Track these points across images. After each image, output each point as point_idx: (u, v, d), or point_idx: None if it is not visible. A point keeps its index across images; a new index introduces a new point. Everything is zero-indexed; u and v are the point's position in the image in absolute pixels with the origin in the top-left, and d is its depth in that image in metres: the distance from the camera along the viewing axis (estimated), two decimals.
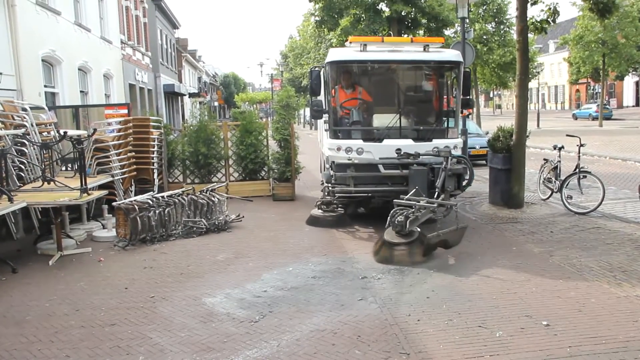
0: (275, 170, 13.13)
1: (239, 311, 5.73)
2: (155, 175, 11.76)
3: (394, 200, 7.84)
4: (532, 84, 51.05)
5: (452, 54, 9.88)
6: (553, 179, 11.24)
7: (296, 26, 59.96)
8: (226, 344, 4.92)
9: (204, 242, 8.84)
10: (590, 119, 45.06)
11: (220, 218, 9.81)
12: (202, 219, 9.55)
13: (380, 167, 8.99)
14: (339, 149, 9.04)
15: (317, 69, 9.50)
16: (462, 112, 10.33)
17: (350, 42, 9.62)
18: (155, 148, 11.82)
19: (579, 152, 10.86)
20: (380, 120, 9.63)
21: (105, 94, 20.10)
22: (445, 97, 10.33)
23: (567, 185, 10.61)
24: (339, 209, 9.88)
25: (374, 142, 9.09)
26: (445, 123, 9.96)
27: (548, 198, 11.49)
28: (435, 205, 7.68)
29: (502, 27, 34.73)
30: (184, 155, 13.03)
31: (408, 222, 7.42)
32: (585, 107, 51.94)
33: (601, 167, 16.49)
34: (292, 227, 9.83)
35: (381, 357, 4.60)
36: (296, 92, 18.47)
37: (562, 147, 11.34)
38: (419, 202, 7.67)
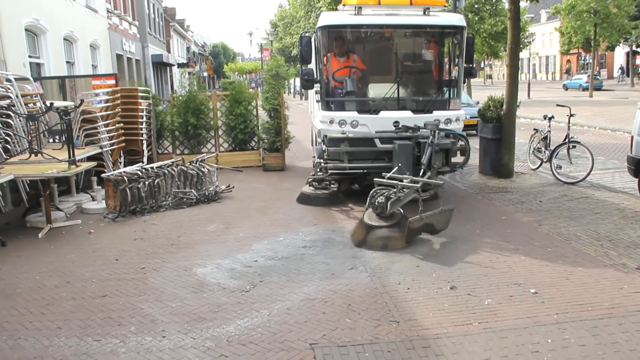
0: (265, 141, 13.07)
1: (230, 281, 5.76)
2: (145, 146, 11.66)
3: (374, 179, 7.23)
4: (523, 54, 50.90)
5: (455, 18, 9.23)
6: (543, 148, 11.28)
7: None
8: (217, 313, 4.95)
9: (194, 212, 8.82)
10: (581, 90, 45.02)
11: (211, 189, 9.79)
12: (192, 190, 9.52)
13: (377, 141, 8.39)
14: (331, 121, 8.49)
15: (307, 34, 8.85)
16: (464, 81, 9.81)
17: (344, 5, 8.93)
18: (144, 119, 11.70)
19: (569, 122, 10.85)
20: (377, 90, 9.03)
21: (92, 65, 19.78)
22: (446, 65, 9.64)
23: (556, 155, 10.64)
24: (332, 185, 9.35)
25: (369, 114, 8.52)
26: (447, 93, 9.23)
27: (537, 168, 11.55)
28: (419, 184, 6.94)
29: None
30: (173, 126, 12.94)
31: (389, 203, 6.83)
32: (575, 78, 51.85)
33: (591, 138, 16.55)
34: (283, 197, 9.81)
35: (371, 325, 4.65)
36: (286, 62, 18.29)
37: (552, 117, 11.34)
38: (401, 181, 7.01)
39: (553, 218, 7.93)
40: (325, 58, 8.89)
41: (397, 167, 7.44)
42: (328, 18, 8.83)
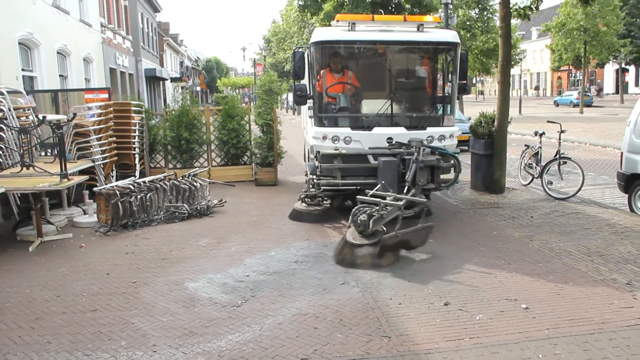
0: (258, 155, 13.10)
1: (222, 296, 5.74)
2: (137, 160, 11.65)
3: (357, 197, 7.17)
4: (515, 71, 51.38)
5: (449, 35, 9.21)
6: (534, 164, 11.36)
7: (280, 10, 59.36)
8: (209, 328, 4.93)
9: (186, 227, 8.81)
10: (571, 106, 45.45)
11: (203, 203, 9.78)
12: (184, 204, 9.51)
13: (370, 157, 8.26)
14: (324, 137, 8.38)
15: (300, 50, 8.82)
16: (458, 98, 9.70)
17: (338, 21, 8.86)
18: (137, 133, 11.71)
19: (560, 139, 10.95)
20: (370, 106, 8.99)
21: (86, 78, 19.80)
22: (440, 81, 9.59)
23: (547, 171, 10.72)
24: (325, 202, 9.23)
25: (363, 130, 8.43)
26: (441, 109, 9.16)
27: (529, 183, 11.62)
28: (402, 202, 6.87)
29: (485, 13, 34.74)
30: (165, 140, 12.95)
31: (371, 221, 6.69)
32: (566, 94, 52.37)
33: (581, 154, 16.69)
34: (275, 212, 9.81)
35: (363, 341, 4.64)
36: (279, 77, 18.36)
37: (543, 133, 11.45)
38: (384, 198, 6.95)
39: (544, 233, 7.98)
40: (318, 74, 8.83)
41: (380, 184, 7.40)
42: (322, 34, 8.79)
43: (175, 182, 9.69)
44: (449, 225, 8.37)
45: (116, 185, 8.92)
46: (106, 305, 5.54)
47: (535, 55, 75.54)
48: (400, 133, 8.32)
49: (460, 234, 8.03)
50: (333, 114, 8.90)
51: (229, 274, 6.45)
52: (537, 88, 68.28)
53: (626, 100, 46.08)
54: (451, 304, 5.40)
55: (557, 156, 10.75)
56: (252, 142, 13.21)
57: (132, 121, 11.50)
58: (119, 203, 8.55)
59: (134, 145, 11.53)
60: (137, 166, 11.61)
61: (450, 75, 9.04)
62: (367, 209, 6.87)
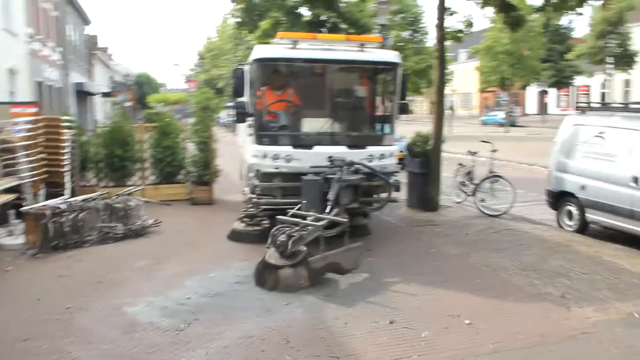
0: (194, 174, 12.86)
1: (163, 320, 5.55)
2: (68, 178, 11.15)
3: (277, 217, 7.08)
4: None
5: (390, 55, 9.14)
6: (467, 182, 11.72)
7: (215, 27, 58.95)
8: (152, 354, 4.75)
9: (121, 248, 8.49)
10: (498, 126, 47.39)
11: (138, 223, 9.45)
12: (119, 224, 9.16)
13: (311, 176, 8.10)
14: (265, 156, 8.24)
15: (241, 67, 8.58)
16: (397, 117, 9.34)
17: (281, 38, 8.72)
18: (68, 149, 11.22)
19: (492, 157, 11.34)
20: (311, 125, 9.00)
21: (10, 91, 18.85)
22: (381, 101, 9.64)
23: (480, 188, 11.09)
24: (264, 222, 8.95)
25: (303, 148, 8.33)
26: (381, 129, 9.23)
27: (462, 201, 11.96)
28: (323, 222, 6.76)
29: (417, 34, 35.91)
30: (97, 158, 12.49)
31: (291, 242, 6.50)
32: (492, 114, 54.62)
33: (509, 172, 17.24)
34: (212, 231, 9.60)
35: None
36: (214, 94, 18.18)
37: (476, 152, 11.84)
38: (305, 218, 6.88)
39: (480, 250, 8.21)
40: (259, 91, 8.69)
41: (302, 204, 7.33)
42: (263, 51, 8.67)
43: (108, 201, 9.34)
44: (387, 243, 8.48)
45: (46, 205, 8.50)
46: (39, 333, 5.22)
47: (463, 77, 78.45)
48: (341, 152, 8.28)
49: (399, 252, 8.13)
50: (274, 132, 8.78)
51: (170, 296, 6.25)
52: (451, 108, 70.85)
53: (547, 120, 48.54)
54: (396, 322, 5.45)
55: (490, 174, 11.14)
56: (188, 160, 12.95)
57: (63, 137, 11.02)
58: (50, 223, 8.15)
59: (64, 163, 11.03)
60: (68, 184, 11.11)
61: (390, 95, 9.11)
62: (286, 229, 6.73)
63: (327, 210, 7.35)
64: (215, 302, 6.06)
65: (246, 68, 8.60)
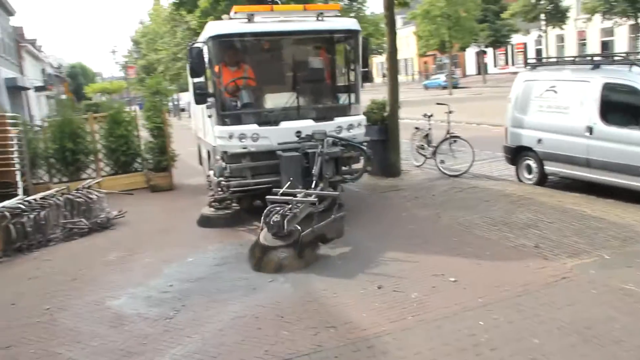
0: (150, 161, 12.57)
1: (150, 309, 5.45)
2: (19, 177, 10.69)
3: (266, 197, 6.89)
4: (382, 59, 53.39)
5: (350, 22, 8.98)
6: (425, 145, 11.90)
7: (147, 11, 56.98)
8: (146, 345, 4.66)
9: (89, 242, 8.26)
10: (440, 89, 48.15)
11: (102, 216, 9.20)
12: (82, 219, 8.88)
13: (281, 153, 7.91)
14: (231, 136, 7.97)
15: (197, 46, 8.17)
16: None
17: (236, 12, 8.32)
18: (16, 147, 10.73)
19: (449, 119, 11.52)
20: (275, 100, 8.79)
21: None
22: (344, 70, 9.37)
23: (439, 150, 11.28)
24: (234, 205, 8.82)
25: (270, 125, 8.13)
26: (347, 99, 9.03)
27: (422, 164, 12.15)
28: (314, 197, 6.66)
29: (355, 3, 35.70)
30: (47, 153, 12.02)
31: (286, 221, 6.40)
32: (434, 78, 55.42)
33: (461, 132, 17.65)
34: (179, 217, 9.46)
35: (310, 334, 4.62)
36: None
37: (432, 115, 12.00)
38: (295, 196, 6.71)
39: (449, 210, 8.38)
40: (217, 70, 8.39)
41: (289, 182, 7.14)
42: (218, 27, 8.35)
43: (69, 196, 9.03)
44: (358, 211, 8.53)
45: (4, 206, 8.13)
46: (22, 339, 5.03)
47: (402, 42, 79.03)
48: (308, 125, 8.13)
49: (371, 220, 8.19)
50: (237, 111, 8.51)
51: (151, 286, 6.14)
52: (384, 76, 71.52)
53: (487, 80, 49.66)
54: (384, 286, 5.52)
55: (448, 135, 11.33)
56: (143, 147, 12.63)
57: (9, 135, 10.53)
58: (10, 225, 7.82)
59: (13, 162, 10.56)
60: (20, 183, 10.66)
61: (353, 64, 8.96)
62: (279, 208, 6.61)
63: (313, 185, 7.23)
64: (199, 287, 5.98)
65: (203, 46, 8.24)
